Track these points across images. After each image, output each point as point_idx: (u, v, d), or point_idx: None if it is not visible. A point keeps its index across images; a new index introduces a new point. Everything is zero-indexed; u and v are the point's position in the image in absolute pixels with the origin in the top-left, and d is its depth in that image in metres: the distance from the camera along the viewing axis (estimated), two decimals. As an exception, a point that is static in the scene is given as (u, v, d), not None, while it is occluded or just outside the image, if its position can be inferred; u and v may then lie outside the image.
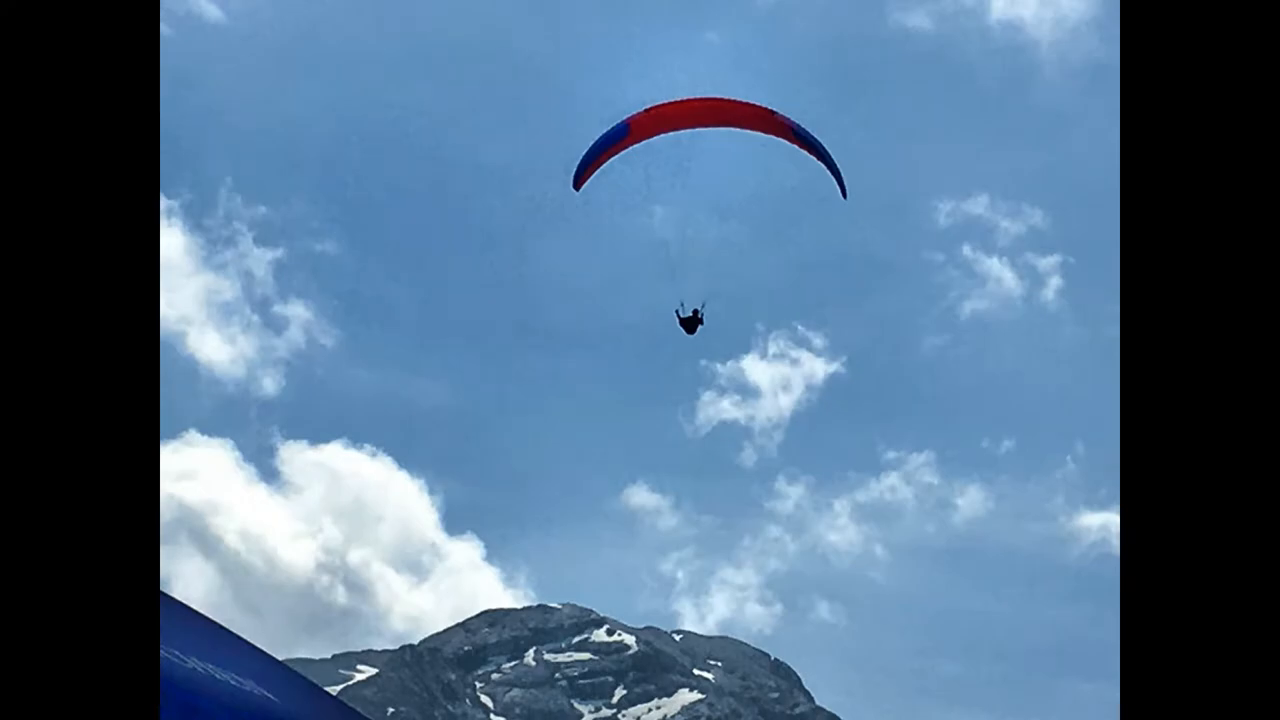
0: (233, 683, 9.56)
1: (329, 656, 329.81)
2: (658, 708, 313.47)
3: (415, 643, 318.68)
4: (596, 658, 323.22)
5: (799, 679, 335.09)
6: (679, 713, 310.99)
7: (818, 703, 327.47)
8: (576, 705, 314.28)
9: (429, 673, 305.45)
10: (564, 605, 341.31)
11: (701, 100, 34.01)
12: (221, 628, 10.48)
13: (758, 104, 33.99)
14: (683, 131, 34.00)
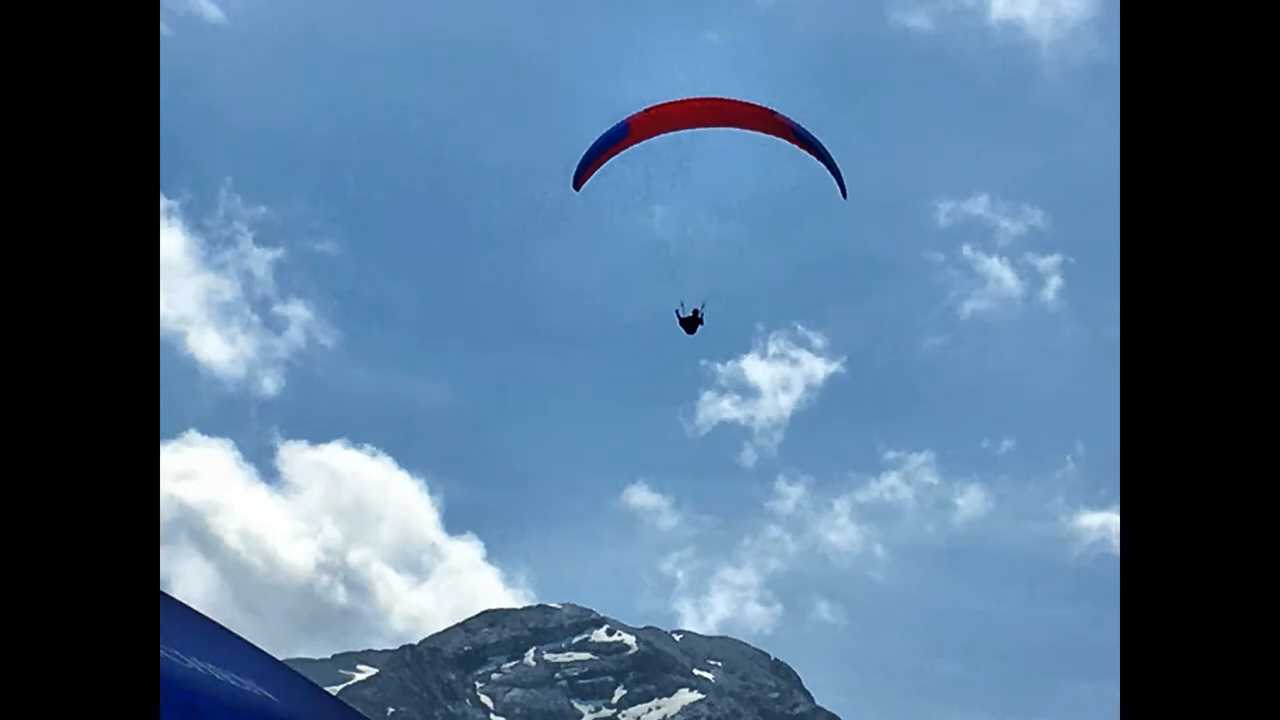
0: (233, 683, 9.56)
1: (329, 656, 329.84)
2: (658, 708, 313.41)
3: (415, 643, 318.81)
4: (596, 658, 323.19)
5: (799, 679, 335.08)
6: (679, 713, 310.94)
7: (818, 703, 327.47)
8: (576, 705, 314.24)
9: (429, 673, 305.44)
10: (564, 605, 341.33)
11: (701, 100, 34.01)
12: (221, 628, 10.48)
13: (758, 104, 34.00)
14: (683, 131, 34.00)
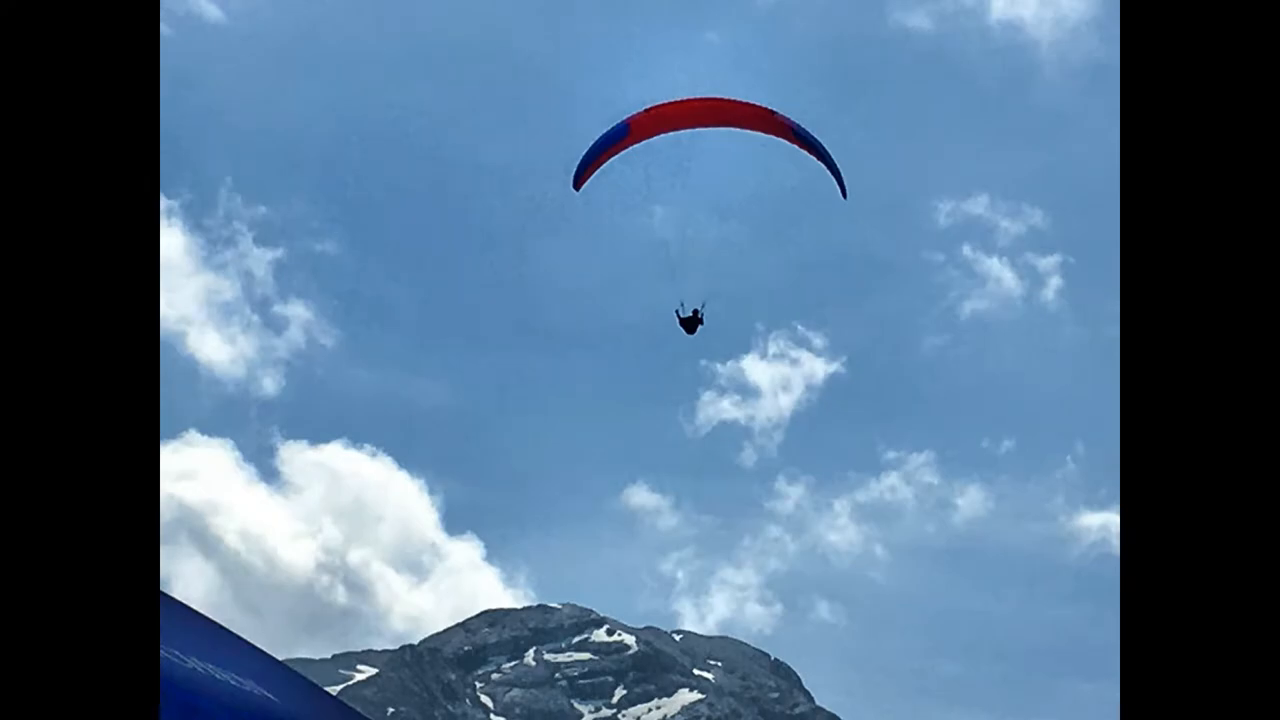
0: (233, 683, 9.56)
1: (329, 656, 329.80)
2: (658, 708, 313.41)
3: (415, 643, 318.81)
4: (596, 658, 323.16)
5: (799, 679, 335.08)
6: (679, 713, 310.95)
7: (818, 703, 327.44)
8: (576, 705, 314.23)
9: (429, 673, 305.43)
10: (564, 605, 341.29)
11: (701, 100, 34.01)
12: (221, 628, 10.48)
13: (758, 104, 34.00)
14: (683, 131, 34.00)
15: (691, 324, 37.90)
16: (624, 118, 34.06)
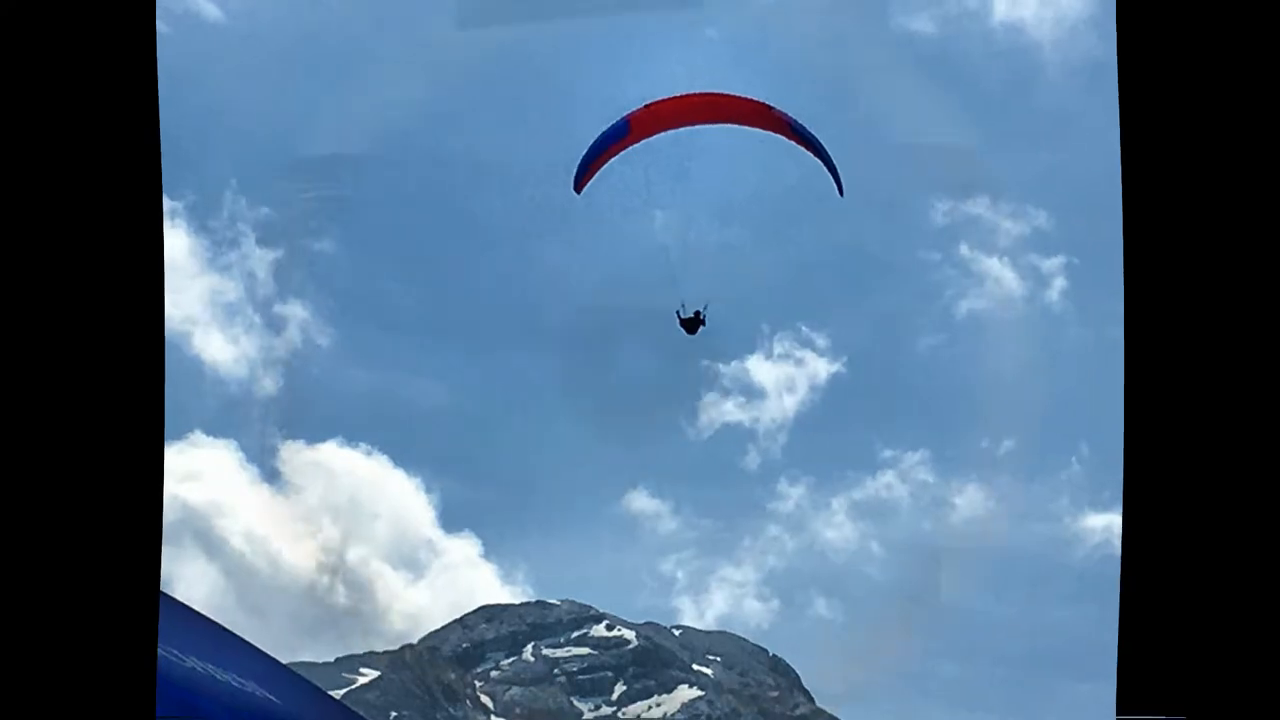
0: (234, 684, 9.58)
1: (332, 660, 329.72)
2: (658, 705, 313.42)
3: (414, 641, 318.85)
4: (596, 653, 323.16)
5: (798, 677, 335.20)
6: (679, 710, 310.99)
7: (818, 704, 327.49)
8: (576, 703, 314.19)
9: (429, 674, 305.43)
10: (563, 601, 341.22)
11: (700, 95, 34.02)
12: (225, 630, 10.51)
13: (755, 99, 34.02)
14: (682, 129, 34.02)
15: (692, 325, 37.96)
16: (624, 114, 34.08)
